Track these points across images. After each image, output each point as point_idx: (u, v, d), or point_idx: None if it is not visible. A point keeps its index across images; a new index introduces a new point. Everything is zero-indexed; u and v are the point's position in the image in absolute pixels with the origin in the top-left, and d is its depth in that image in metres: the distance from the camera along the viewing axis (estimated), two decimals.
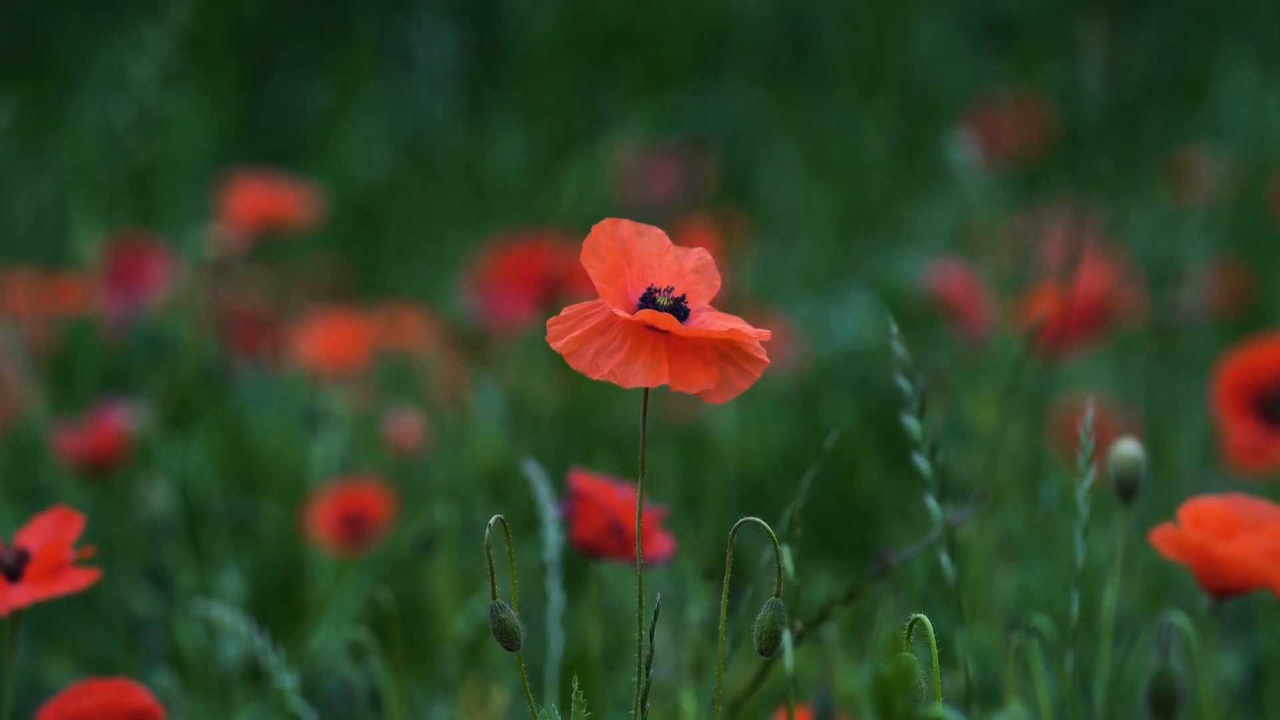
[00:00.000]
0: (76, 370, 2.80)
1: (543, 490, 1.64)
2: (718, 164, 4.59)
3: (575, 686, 1.29)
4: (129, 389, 2.76)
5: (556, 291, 2.88)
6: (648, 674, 1.30)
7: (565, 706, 1.34)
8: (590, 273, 1.26)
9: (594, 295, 1.28)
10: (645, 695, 1.29)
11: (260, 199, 3.17)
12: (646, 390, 1.26)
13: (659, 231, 1.29)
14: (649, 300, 1.27)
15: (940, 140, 3.00)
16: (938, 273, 3.20)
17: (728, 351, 1.26)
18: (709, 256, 1.30)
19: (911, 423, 1.47)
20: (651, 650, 1.29)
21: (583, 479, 1.60)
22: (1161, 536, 1.46)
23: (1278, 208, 3.97)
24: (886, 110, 5.18)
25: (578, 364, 1.24)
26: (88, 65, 5.18)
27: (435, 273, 4.36)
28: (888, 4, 5.54)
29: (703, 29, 5.52)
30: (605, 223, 1.27)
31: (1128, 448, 1.53)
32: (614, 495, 1.59)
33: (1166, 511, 2.38)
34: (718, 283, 1.29)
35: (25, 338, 2.77)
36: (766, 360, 1.26)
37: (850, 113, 5.25)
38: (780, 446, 2.74)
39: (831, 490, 2.68)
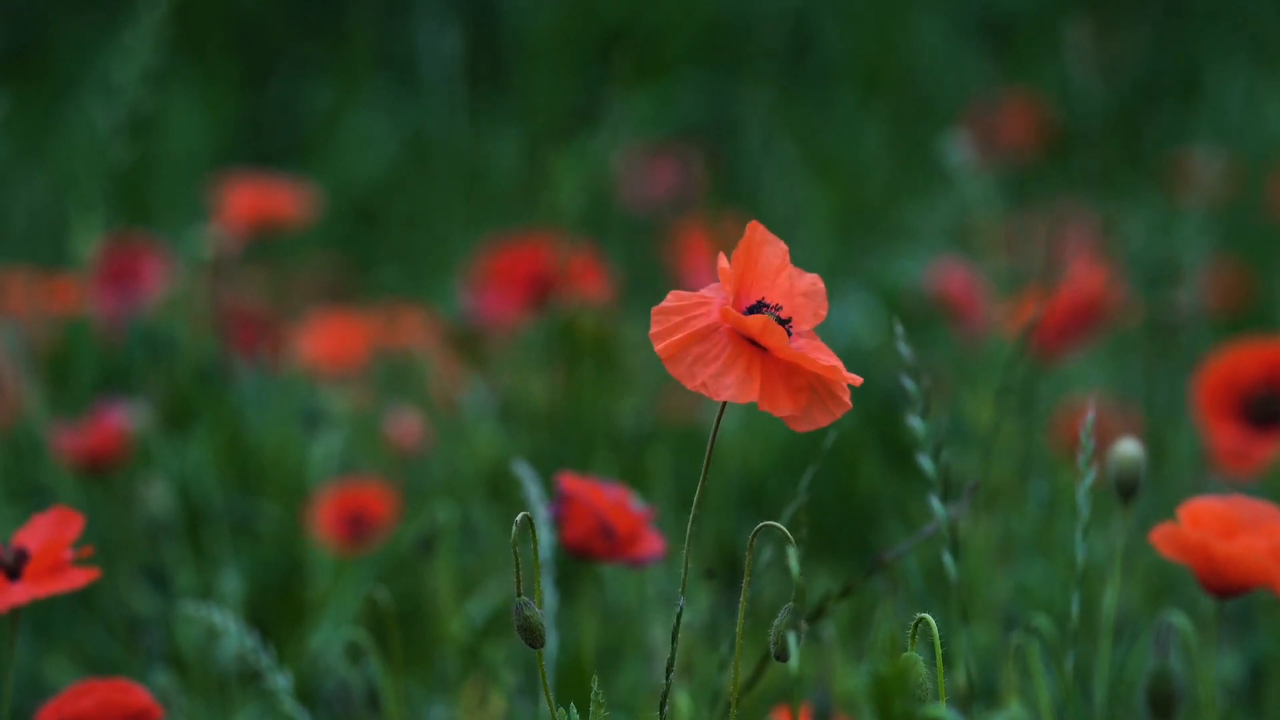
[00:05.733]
0: (75, 370, 2.80)
1: (533, 491, 1.64)
2: (717, 163, 4.59)
3: (595, 687, 1.29)
4: (127, 389, 2.76)
5: (550, 290, 2.88)
6: (670, 674, 1.30)
7: (582, 707, 1.34)
8: (725, 268, 1.25)
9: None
10: (666, 696, 1.29)
11: (255, 198, 3.17)
12: (724, 405, 1.26)
13: (784, 246, 1.28)
14: (757, 312, 1.26)
15: (939, 140, 3.00)
16: (937, 272, 3.20)
17: (816, 385, 1.25)
18: (821, 285, 1.29)
19: (916, 423, 1.47)
20: (674, 651, 1.29)
21: (571, 480, 1.60)
22: (1161, 536, 1.46)
23: (1275, 207, 3.97)
24: (886, 110, 5.18)
25: (675, 370, 1.24)
26: (88, 65, 5.18)
27: (434, 272, 4.36)
28: (887, 4, 5.54)
29: (702, 27, 5.52)
30: (754, 224, 1.26)
31: (1128, 447, 1.53)
32: (601, 496, 1.59)
33: (1165, 511, 2.38)
34: (824, 312, 1.28)
35: (24, 338, 2.77)
36: (849, 404, 1.26)
37: (850, 112, 5.25)
38: (780, 446, 2.74)
39: (831, 490, 2.68)
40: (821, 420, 1.25)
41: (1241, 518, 1.46)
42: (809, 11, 5.59)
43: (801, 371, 1.25)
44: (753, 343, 1.25)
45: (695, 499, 1.28)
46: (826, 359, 1.25)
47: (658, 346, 1.24)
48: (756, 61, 5.36)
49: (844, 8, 5.58)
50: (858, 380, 1.25)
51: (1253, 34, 5.34)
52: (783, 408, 1.24)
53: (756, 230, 1.27)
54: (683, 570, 1.29)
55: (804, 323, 1.28)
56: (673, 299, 1.26)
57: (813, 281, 1.29)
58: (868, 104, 5.26)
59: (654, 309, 1.25)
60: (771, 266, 1.28)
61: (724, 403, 1.26)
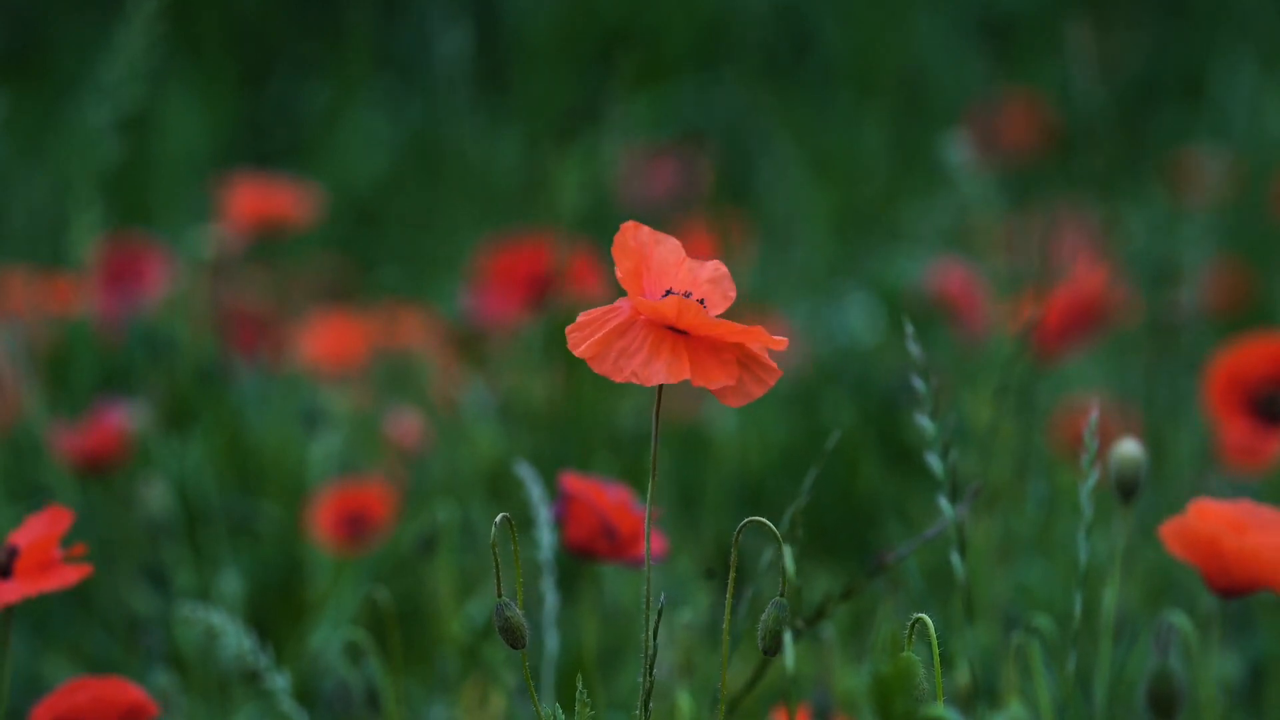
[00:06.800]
0: (75, 370, 2.80)
1: (535, 491, 1.64)
2: (716, 163, 4.59)
3: (580, 687, 1.29)
4: (127, 389, 2.76)
5: (551, 290, 2.88)
6: (651, 674, 1.30)
7: (568, 707, 1.34)
8: (617, 271, 1.27)
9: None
10: (649, 695, 1.29)
11: (258, 199, 3.17)
12: (660, 389, 1.27)
13: (676, 242, 1.30)
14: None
15: (939, 140, 3.00)
16: (937, 272, 3.20)
17: (744, 359, 1.27)
18: (725, 269, 1.31)
19: (925, 422, 1.47)
20: (655, 651, 1.29)
21: (573, 480, 1.60)
22: (1171, 531, 1.45)
23: (1277, 207, 3.97)
24: (886, 110, 5.18)
25: (600, 368, 1.25)
26: (88, 65, 5.17)
27: (434, 272, 4.36)
28: (887, 3, 5.54)
29: (702, 27, 5.52)
30: (628, 225, 1.28)
31: (1128, 447, 1.53)
32: (604, 497, 1.59)
33: (1166, 512, 2.38)
34: (732, 294, 1.30)
35: (24, 338, 2.77)
36: (779, 371, 1.27)
37: (850, 112, 5.25)
38: (780, 446, 2.74)
39: (831, 490, 2.68)
40: (756, 391, 1.27)
41: (1249, 521, 1.46)
42: (808, 11, 5.59)
43: (727, 346, 1.26)
44: (673, 329, 1.26)
45: (649, 495, 1.29)
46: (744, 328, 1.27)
47: (579, 351, 1.25)
48: (756, 61, 5.36)
49: (843, 7, 5.58)
50: (783, 343, 1.26)
51: (1255, 34, 5.34)
52: (716, 379, 1.25)
53: (639, 230, 1.28)
54: (647, 570, 1.29)
55: (715, 308, 1.29)
56: (584, 317, 1.27)
57: (715, 267, 1.30)
58: (867, 104, 5.26)
59: (567, 328, 1.27)
60: (669, 263, 1.30)
61: (659, 393, 1.27)
